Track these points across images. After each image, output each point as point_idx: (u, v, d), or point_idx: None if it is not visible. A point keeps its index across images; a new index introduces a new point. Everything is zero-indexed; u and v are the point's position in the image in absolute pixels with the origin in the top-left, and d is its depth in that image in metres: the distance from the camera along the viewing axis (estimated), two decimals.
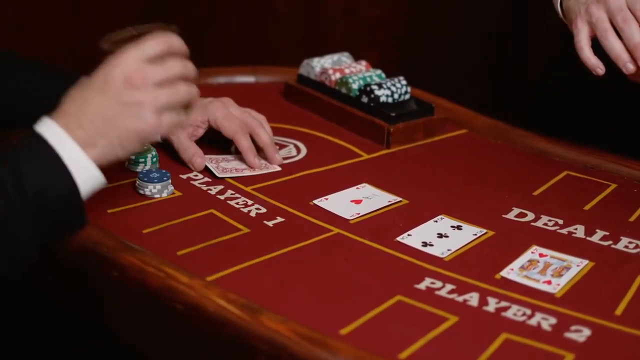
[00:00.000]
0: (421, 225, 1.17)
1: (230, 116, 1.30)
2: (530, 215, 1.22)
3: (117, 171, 1.26)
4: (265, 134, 1.32)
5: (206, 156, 1.30)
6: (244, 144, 1.30)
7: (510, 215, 1.22)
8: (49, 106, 1.26)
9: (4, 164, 0.93)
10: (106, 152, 0.97)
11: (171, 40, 1.01)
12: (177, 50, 1.01)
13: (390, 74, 1.53)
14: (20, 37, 2.09)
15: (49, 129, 0.96)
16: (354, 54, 1.63)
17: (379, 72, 1.52)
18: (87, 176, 0.96)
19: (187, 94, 1.01)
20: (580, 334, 0.95)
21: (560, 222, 1.20)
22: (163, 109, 0.98)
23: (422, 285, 1.03)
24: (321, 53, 1.64)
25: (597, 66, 1.29)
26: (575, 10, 1.32)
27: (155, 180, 1.20)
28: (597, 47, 1.30)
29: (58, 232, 0.98)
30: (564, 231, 1.18)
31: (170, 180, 1.22)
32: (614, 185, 1.33)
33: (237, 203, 1.20)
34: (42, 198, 0.93)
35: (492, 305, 1.00)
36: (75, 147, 0.95)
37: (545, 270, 1.08)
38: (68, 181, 0.94)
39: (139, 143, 0.99)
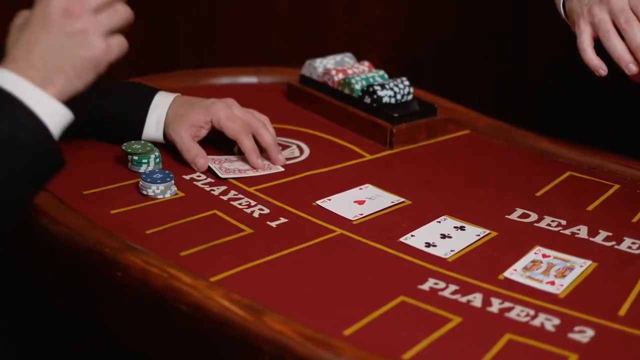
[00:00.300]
0: (424, 226, 1.17)
1: (233, 117, 1.30)
2: (534, 216, 1.22)
3: (120, 172, 1.27)
4: (268, 135, 1.32)
5: (209, 157, 1.30)
6: (247, 144, 1.30)
7: (514, 216, 1.22)
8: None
9: None
10: (65, 86, 0.97)
11: None
12: None
13: (390, 74, 1.53)
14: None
15: (3, 77, 0.95)
16: (354, 54, 1.63)
17: (381, 72, 1.52)
18: (52, 114, 0.95)
19: (127, 13, 1.01)
20: (583, 335, 0.95)
21: (564, 222, 1.20)
22: (108, 32, 0.98)
23: (425, 286, 1.03)
24: (322, 53, 1.64)
25: (600, 67, 1.29)
26: (578, 11, 1.32)
27: (159, 181, 1.20)
28: (599, 47, 1.30)
29: (39, 176, 0.97)
30: (567, 232, 1.18)
31: (173, 181, 1.21)
32: (617, 186, 1.32)
33: (240, 204, 1.20)
34: (11, 145, 0.92)
35: (495, 305, 1.00)
36: (32, 88, 0.95)
37: (549, 270, 1.08)
38: (34, 122, 0.94)
39: (95, 71, 0.99)
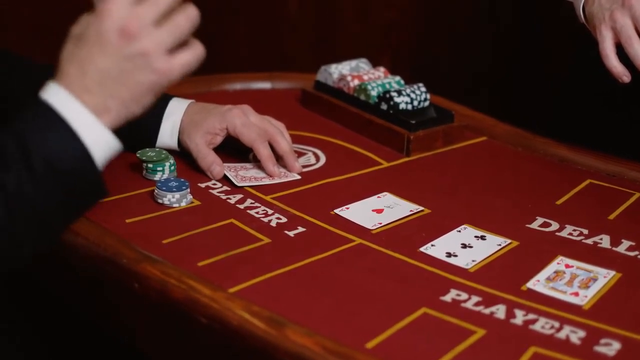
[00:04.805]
0: (444, 236, 1.16)
1: (249, 124, 1.28)
2: (555, 225, 1.20)
3: (135, 180, 1.25)
4: (284, 142, 1.30)
5: (225, 164, 1.29)
6: (264, 152, 1.28)
7: (535, 225, 1.20)
8: None
9: (9, 136, 0.88)
10: (120, 113, 0.92)
11: None
12: None
13: (401, 77, 1.51)
14: (36, 40, 2.08)
15: (55, 95, 0.90)
16: (365, 58, 1.61)
17: (397, 78, 1.50)
18: (100, 142, 0.91)
19: (188, 21, 0.92)
20: (610, 348, 0.94)
21: (585, 232, 1.18)
22: (170, 48, 0.91)
23: (447, 297, 1.02)
24: (333, 58, 1.62)
25: (624, 74, 1.27)
26: (599, 16, 1.30)
27: (174, 189, 1.19)
28: (619, 52, 1.29)
29: (77, 203, 0.93)
30: (589, 241, 1.16)
31: (189, 189, 1.20)
32: (637, 194, 1.31)
33: (257, 212, 1.19)
34: (51, 166, 0.88)
35: (519, 317, 0.98)
36: (84, 112, 0.90)
37: (572, 281, 1.06)
38: (79, 148, 0.89)
39: (155, 95, 0.93)
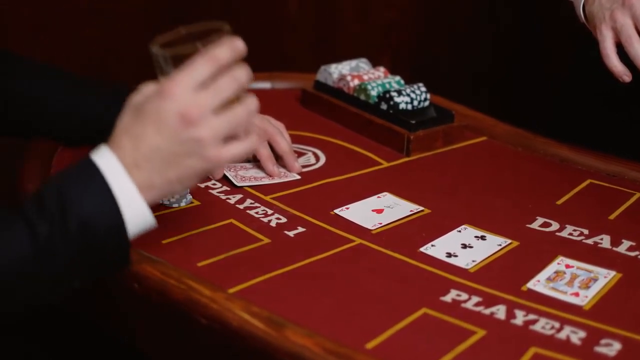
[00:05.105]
0: (444, 236, 1.15)
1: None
2: (555, 225, 1.20)
3: None
4: (284, 142, 1.30)
5: None
6: (263, 152, 1.28)
7: (535, 225, 1.20)
8: (73, 121, 1.26)
9: (53, 188, 0.90)
10: (163, 191, 0.93)
11: (220, 55, 0.92)
12: (229, 62, 0.93)
13: (401, 76, 1.51)
14: (36, 40, 2.08)
15: (106, 161, 0.91)
16: (365, 57, 1.61)
17: (397, 78, 1.50)
18: (138, 217, 0.92)
19: (247, 114, 0.94)
20: (610, 348, 0.93)
21: (586, 232, 1.18)
22: (224, 138, 0.93)
23: (447, 298, 1.01)
24: (333, 58, 1.62)
25: (624, 73, 1.27)
26: (599, 15, 1.30)
27: None
28: (619, 51, 1.28)
29: (98, 268, 0.94)
30: (590, 241, 1.16)
31: (188, 189, 1.20)
32: (638, 194, 1.30)
33: (256, 212, 1.19)
34: (86, 231, 0.89)
35: (519, 318, 0.98)
36: (129, 184, 0.91)
37: (573, 281, 1.06)
38: (116, 216, 0.90)
39: (199, 178, 0.95)
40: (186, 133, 0.90)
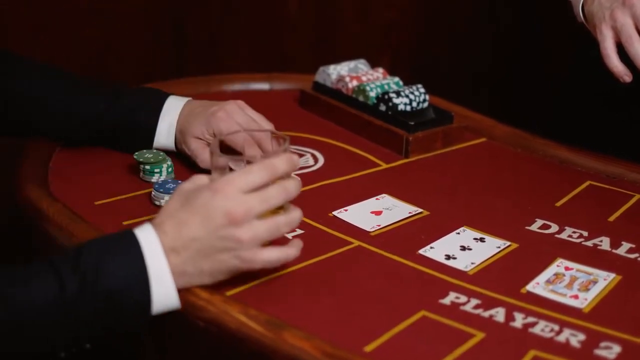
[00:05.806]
0: (443, 238, 1.15)
1: (234, 128, 1.25)
2: (554, 227, 1.19)
3: (133, 182, 1.25)
4: (269, 146, 1.27)
5: None
6: (255, 156, 1.26)
7: (534, 227, 1.19)
8: (73, 121, 1.25)
9: (93, 250, 0.92)
10: (193, 281, 0.96)
11: (277, 165, 0.98)
12: (282, 175, 0.99)
13: (401, 77, 1.51)
14: (36, 40, 2.08)
15: (148, 238, 0.94)
16: (365, 58, 1.61)
17: (396, 79, 1.50)
18: (164, 299, 0.94)
19: (288, 228, 1.00)
20: (610, 351, 0.93)
21: (585, 234, 1.18)
22: (261, 244, 0.97)
23: (446, 300, 1.01)
24: (333, 58, 1.61)
25: (625, 74, 1.27)
26: (599, 15, 1.29)
27: (172, 191, 1.18)
28: (619, 51, 1.28)
29: (111, 331, 0.95)
30: (589, 243, 1.16)
31: None
32: (638, 196, 1.30)
33: None
34: (113, 300, 0.91)
35: (519, 320, 0.98)
36: (166, 269, 0.93)
37: (572, 284, 1.05)
38: (144, 297, 0.92)
39: (229, 276, 0.98)
40: (227, 231, 0.94)
